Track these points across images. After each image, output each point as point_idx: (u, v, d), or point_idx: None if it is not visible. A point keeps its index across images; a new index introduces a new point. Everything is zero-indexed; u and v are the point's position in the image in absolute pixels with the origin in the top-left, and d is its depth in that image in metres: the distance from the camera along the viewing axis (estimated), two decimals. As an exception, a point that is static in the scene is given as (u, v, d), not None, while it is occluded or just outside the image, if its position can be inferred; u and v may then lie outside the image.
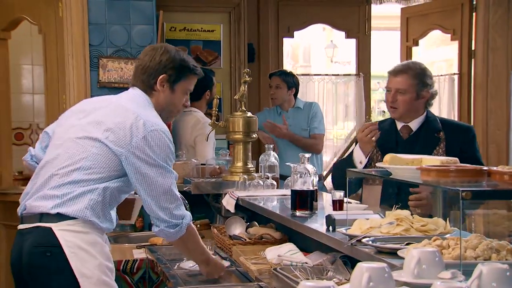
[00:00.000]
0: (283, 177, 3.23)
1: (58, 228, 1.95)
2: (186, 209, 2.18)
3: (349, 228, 1.98)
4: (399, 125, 2.73)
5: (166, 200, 2.07)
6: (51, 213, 1.96)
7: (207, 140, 3.66)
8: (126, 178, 2.07)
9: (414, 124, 2.71)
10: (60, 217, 1.95)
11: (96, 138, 2.02)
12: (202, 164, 3.59)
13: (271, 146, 3.27)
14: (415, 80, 2.66)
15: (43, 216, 1.97)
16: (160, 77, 2.15)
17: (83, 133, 2.05)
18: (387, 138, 2.71)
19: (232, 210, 2.98)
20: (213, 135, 3.71)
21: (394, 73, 2.70)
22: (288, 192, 2.60)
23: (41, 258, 1.95)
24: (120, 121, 2.03)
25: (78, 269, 1.94)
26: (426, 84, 2.68)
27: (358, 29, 5.43)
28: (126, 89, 2.27)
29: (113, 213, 2.11)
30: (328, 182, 5.43)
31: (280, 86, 4.41)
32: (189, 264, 2.44)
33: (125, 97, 2.18)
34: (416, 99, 2.67)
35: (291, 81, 4.43)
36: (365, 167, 2.65)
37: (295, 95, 4.49)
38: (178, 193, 2.12)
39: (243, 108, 3.32)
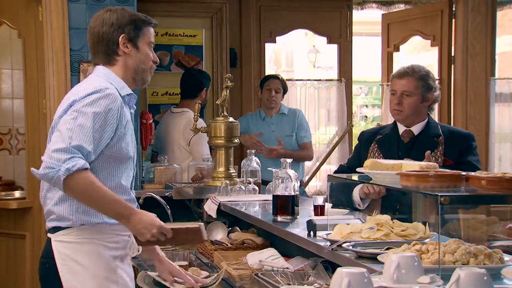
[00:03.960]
0: (265, 182, 3.24)
1: (54, 239, 1.95)
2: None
3: (330, 233, 1.99)
4: (401, 129, 2.72)
5: (54, 140, 1.84)
6: (50, 227, 1.99)
7: (188, 145, 3.66)
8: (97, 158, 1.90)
9: (416, 129, 2.70)
10: (55, 228, 1.96)
11: (48, 140, 1.96)
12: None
13: (253, 151, 3.28)
14: (420, 82, 2.66)
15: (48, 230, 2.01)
16: (120, 37, 2.01)
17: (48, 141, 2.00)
18: (389, 143, 2.71)
19: (214, 215, 2.98)
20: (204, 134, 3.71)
21: (399, 76, 2.69)
22: (269, 197, 2.61)
23: (43, 269, 1.98)
24: (62, 105, 1.95)
25: (69, 282, 1.91)
26: (431, 87, 2.68)
27: (340, 35, 5.46)
28: None
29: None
30: (310, 187, 5.46)
31: (280, 90, 4.40)
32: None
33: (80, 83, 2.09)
34: (421, 102, 2.68)
35: (286, 86, 4.47)
36: None
37: None
38: (75, 139, 1.82)
39: (225, 113, 3.32)
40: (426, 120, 2.71)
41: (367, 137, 2.84)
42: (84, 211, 1.92)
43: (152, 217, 1.94)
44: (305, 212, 2.55)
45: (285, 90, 4.44)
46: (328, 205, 2.43)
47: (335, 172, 2.90)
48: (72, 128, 1.84)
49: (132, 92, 2.04)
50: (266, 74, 4.90)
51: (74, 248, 1.92)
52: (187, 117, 3.95)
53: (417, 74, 2.66)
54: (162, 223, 1.97)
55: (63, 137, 1.83)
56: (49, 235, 1.98)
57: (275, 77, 4.51)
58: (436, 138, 2.67)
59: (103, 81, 1.98)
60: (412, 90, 2.65)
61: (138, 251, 2.02)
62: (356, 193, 2.62)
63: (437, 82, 2.77)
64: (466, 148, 2.67)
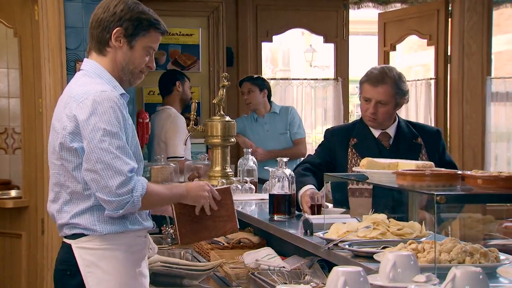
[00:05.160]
0: (261, 181, 3.24)
1: (76, 246, 1.88)
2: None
3: (326, 232, 1.99)
4: (376, 132, 2.69)
5: (106, 175, 1.78)
6: (69, 234, 1.91)
7: (185, 144, 3.66)
8: None
9: (392, 130, 2.68)
10: (76, 235, 1.89)
11: (53, 151, 1.90)
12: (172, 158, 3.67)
13: (250, 150, 3.28)
14: (394, 89, 2.62)
15: (66, 236, 1.93)
16: (115, 30, 1.91)
17: (50, 151, 1.94)
18: (368, 148, 2.66)
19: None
20: (182, 129, 3.77)
21: (372, 83, 2.62)
22: (266, 196, 2.61)
23: (63, 277, 1.91)
24: (62, 115, 1.88)
25: None
26: (404, 92, 2.66)
27: (336, 34, 5.47)
28: None
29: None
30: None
31: (252, 90, 4.41)
32: None
33: (74, 82, 1.98)
34: (394, 108, 2.67)
35: (261, 84, 4.44)
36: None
37: (269, 99, 4.49)
38: (125, 163, 1.80)
39: (222, 112, 3.32)
40: (397, 119, 2.71)
41: (337, 136, 2.75)
42: (106, 220, 1.86)
43: (196, 186, 2.02)
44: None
45: (261, 87, 4.40)
46: (324, 204, 2.43)
47: (302, 162, 2.80)
48: (116, 155, 1.80)
49: (125, 92, 1.96)
50: (247, 75, 4.88)
51: (99, 255, 1.86)
52: (167, 112, 4.09)
53: (390, 80, 2.61)
54: (207, 183, 2.06)
55: (115, 168, 1.79)
56: (67, 241, 1.90)
57: (245, 79, 4.50)
58: (415, 140, 2.67)
59: (100, 81, 1.91)
60: (388, 99, 2.61)
61: (155, 251, 2.02)
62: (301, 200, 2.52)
63: (407, 82, 2.73)
64: (442, 147, 2.70)
